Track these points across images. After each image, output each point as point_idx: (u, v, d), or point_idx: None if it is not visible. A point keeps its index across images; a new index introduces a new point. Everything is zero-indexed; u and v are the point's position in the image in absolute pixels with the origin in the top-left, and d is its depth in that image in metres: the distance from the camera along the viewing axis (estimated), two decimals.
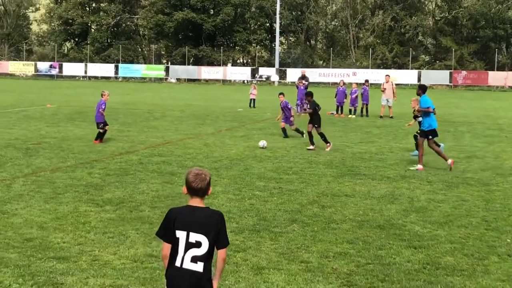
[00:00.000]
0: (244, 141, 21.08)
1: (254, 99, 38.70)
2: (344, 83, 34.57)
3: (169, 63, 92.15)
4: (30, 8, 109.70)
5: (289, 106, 22.62)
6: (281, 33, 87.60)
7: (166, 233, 4.98)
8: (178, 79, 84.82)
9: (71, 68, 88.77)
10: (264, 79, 79.38)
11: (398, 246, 9.16)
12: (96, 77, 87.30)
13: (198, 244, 4.87)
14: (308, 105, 19.52)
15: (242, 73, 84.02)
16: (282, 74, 79.63)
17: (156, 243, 8.57)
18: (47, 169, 14.99)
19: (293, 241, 9.25)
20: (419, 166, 15.99)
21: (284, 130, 22.51)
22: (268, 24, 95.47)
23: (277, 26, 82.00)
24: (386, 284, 7.61)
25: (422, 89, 16.63)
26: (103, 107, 20.09)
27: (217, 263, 5.10)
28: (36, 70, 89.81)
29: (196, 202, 5.03)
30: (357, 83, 36.16)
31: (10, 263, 7.95)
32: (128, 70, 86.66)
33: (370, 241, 9.37)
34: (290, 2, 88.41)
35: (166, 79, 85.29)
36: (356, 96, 32.90)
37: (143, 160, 16.74)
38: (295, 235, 9.57)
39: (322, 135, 19.45)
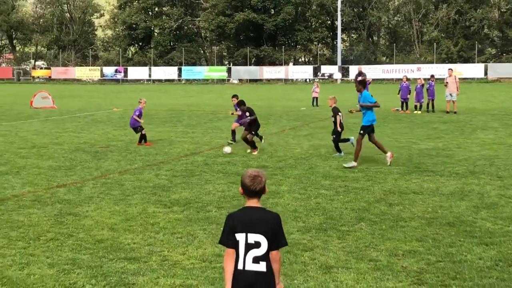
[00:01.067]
0: (308, 140, 21.03)
1: (317, 98, 38.58)
2: (407, 79, 34.13)
3: (231, 64, 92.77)
4: (95, 14, 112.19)
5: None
6: (342, 30, 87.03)
7: (229, 238, 4.96)
8: (240, 80, 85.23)
9: (136, 72, 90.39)
10: (326, 77, 79.02)
11: (469, 243, 8.97)
12: (160, 80, 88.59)
13: (257, 245, 4.85)
14: (248, 114, 18.52)
15: (304, 72, 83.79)
16: (344, 72, 79.11)
17: None
18: (116, 172, 15.29)
19: (361, 240, 9.16)
20: (353, 163, 15.49)
21: (233, 132, 20.79)
22: (329, 22, 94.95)
23: (338, 23, 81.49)
24: (457, 282, 7.45)
25: (362, 84, 16.26)
26: (137, 113, 20.59)
27: (272, 267, 4.96)
28: (102, 75, 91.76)
29: (253, 203, 5.02)
30: (424, 79, 35.39)
31: (83, 264, 8.13)
32: (191, 72, 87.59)
33: (440, 239, 9.20)
34: None
35: (228, 80, 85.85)
36: (422, 89, 32.36)
37: (208, 161, 16.88)
38: (363, 234, 9.48)
39: (250, 142, 18.28)
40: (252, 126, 18.42)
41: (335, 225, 9.96)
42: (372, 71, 70.05)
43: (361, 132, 15.81)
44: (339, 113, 17.73)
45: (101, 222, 10.30)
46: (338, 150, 17.61)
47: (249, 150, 18.21)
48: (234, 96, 21.12)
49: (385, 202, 11.65)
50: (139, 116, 20.52)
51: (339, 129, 17.62)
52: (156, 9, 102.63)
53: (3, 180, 14.21)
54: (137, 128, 20.44)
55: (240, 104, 18.99)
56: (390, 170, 15.04)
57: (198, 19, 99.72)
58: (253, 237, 4.86)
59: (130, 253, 8.60)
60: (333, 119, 17.86)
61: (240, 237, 4.89)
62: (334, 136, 17.72)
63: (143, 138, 20.30)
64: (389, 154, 15.89)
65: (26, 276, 7.70)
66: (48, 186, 13.51)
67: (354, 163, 15.44)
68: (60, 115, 33.23)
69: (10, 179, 14.28)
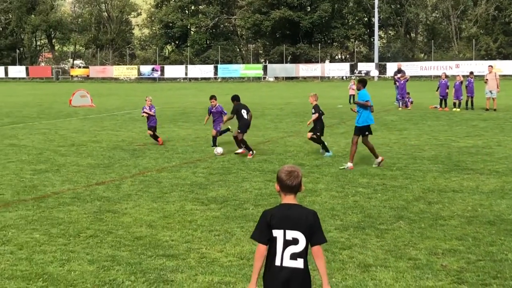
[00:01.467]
0: (345, 138, 20.88)
1: (353, 95, 38.38)
2: (446, 76, 33.74)
3: (267, 62, 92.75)
4: (132, 13, 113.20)
5: (224, 111, 19.58)
6: (380, 27, 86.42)
7: (262, 234, 4.94)
8: (276, 78, 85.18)
9: (172, 71, 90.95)
10: (363, 75, 78.53)
11: (510, 242, 8.83)
12: (196, 79, 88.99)
13: (295, 241, 4.83)
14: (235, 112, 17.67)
15: (340, 69, 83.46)
16: (381, 69, 78.54)
17: None
18: (153, 169, 15.40)
19: (399, 238, 9.08)
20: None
21: (214, 138, 19.43)
22: (366, 19, 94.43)
23: (375, 20, 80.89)
24: (498, 281, 7.34)
25: (362, 83, 15.77)
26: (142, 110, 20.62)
27: (317, 265, 4.95)
28: (139, 73, 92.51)
29: (289, 199, 4.99)
30: (463, 76, 34.90)
31: (122, 261, 8.20)
32: (227, 70, 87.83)
33: (480, 237, 9.07)
34: None
35: (264, 78, 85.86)
36: (461, 86, 31.95)
37: (244, 158, 16.90)
38: (401, 232, 9.39)
39: (243, 142, 17.36)
40: (239, 124, 17.58)
41: (373, 224, 9.89)
42: (410, 68, 69.38)
43: (366, 134, 15.39)
44: (320, 111, 17.43)
45: (139, 219, 10.38)
46: (325, 148, 17.34)
47: (239, 150, 17.53)
48: (213, 97, 19.72)
49: (424, 200, 11.54)
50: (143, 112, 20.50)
51: (309, 123, 17.51)
52: (193, 7, 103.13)
53: (43, 177, 14.43)
54: (153, 127, 20.33)
55: (234, 99, 18.17)
56: (429, 168, 14.89)
57: (234, 17, 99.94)
58: (291, 234, 4.85)
59: (169, 250, 8.65)
60: (313, 116, 17.63)
61: (278, 233, 4.87)
62: (318, 133, 17.48)
63: (154, 136, 20.16)
64: (350, 164, 15.19)
65: (66, 272, 7.80)
66: (87, 183, 13.67)
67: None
68: (99, 113, 33.62)
69: (50, 177, 14.49)
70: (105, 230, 9.70)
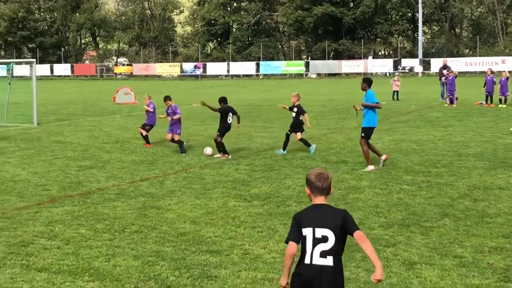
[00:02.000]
0: (389, 135, 20.71)
1: (397, 91, 38.02)
2: (492, 72, 33.19)
3: (309, 58, 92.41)
4: (175, 11, 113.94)
5: (178, 111, 18.63)
6: (424, 23, 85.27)
7: (295, 235, 4.99)
8: (318, 74, 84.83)
9: (214, 68, 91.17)
10: (407, 71, 77.68)
11: None
12: (238, 76, 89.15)
13: (325, 239, 4.85)
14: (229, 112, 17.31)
15: (383, 65, 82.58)
16: (425, 65, 77.58)
17: None
18: (196, 166, 15.50)
19: (445, 236, 8.97)
20: (371, 167, 14.45)
21: (173, 141, 18.35)
22: (410, 14, 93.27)
23: (419, 15, 79.86)
24: None
25: (367, 82, 15.14)
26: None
27: (364, 248, 4.92)
28: (182, 70, 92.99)
29: (320, 200, 5.06)
30: (509, 71, 34.27)
31: (166, 256, 8.28)
32: (269, 67, 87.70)
33: None
34: None
35: (306, 74, 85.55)
36: (507, 82, 31.38)
37: (287, 155, 16.90)
38: (447, 230, 9.27)
39: (221, 145, 17.02)
40: (220, 127, 17.31)
41: (418, 221, 9.79)
42: (455, 64, 68.25)
43: (363, 134, 14.93)
44: (304, 113, 17.45)
45: (183, 215, 10.46)
46: (307, 145, 17.31)
47: (217, 155, 17.12)
48: (167, 97, 18.86)
49: (470, 197, 11.37)
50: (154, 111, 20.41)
51: (309, 126, 17.59)
52: (235, 4, 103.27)
53: (88, 174, 14.64)
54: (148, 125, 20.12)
55: (221, 101, 17.69)
56: (475, 165, 14.67)
57: (276, 13, 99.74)
58: (320, 232, 4.89)
59: (212, 246, 8.70)
60: (293, 114, 17.43)
61: (307, 231, 4.91)
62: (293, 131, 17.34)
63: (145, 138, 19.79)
64: (384, 156, 14.94)
65: (112, 267, 7.90)
66: (132, 179, 13.83)
67: (371, 167, 14.49)
68: (142, 110, 33.82)
69: (95, 173, 14.70)
70: (150, 226, 9.80)
